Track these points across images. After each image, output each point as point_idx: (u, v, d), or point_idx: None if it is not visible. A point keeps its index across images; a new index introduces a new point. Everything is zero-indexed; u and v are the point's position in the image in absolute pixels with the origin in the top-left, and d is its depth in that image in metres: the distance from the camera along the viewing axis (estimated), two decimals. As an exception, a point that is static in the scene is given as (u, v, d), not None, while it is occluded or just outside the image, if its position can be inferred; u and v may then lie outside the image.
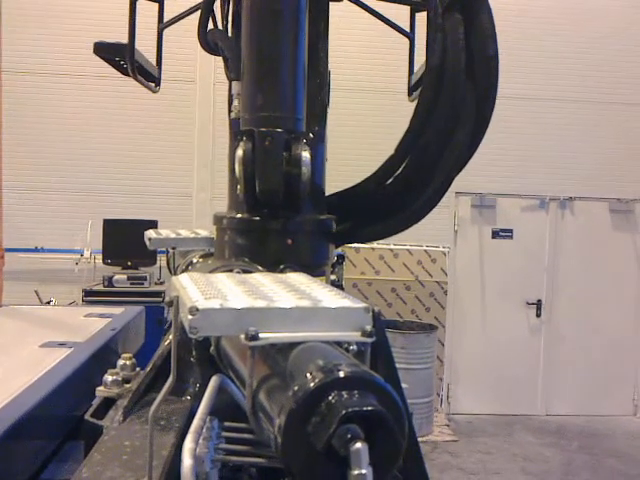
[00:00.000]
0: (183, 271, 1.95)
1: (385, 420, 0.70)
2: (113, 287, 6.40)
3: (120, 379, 1.65)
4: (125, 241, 6.67)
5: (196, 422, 1.11)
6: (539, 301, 7.63)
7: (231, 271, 1.58)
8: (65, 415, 2.19)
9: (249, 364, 0.91)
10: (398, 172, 1.69)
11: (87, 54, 7.32)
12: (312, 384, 0.74)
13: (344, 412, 0.70)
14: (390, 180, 1.71)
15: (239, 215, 1.72)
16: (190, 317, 0.89)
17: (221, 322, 0.91)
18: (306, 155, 1.60)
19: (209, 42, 1.87)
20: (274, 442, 0.77)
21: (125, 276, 6.46)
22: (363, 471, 0.69)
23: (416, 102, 1.58)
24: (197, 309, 0.90)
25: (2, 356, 2.38)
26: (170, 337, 1.71)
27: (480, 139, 1.59)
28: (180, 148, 7.24)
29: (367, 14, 2.18)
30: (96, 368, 2.56)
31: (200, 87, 7.21)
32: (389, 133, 6.73)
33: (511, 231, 7.60)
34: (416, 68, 2.16)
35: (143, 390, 1.58)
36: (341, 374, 0.75)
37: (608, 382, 7.66)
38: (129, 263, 6.70)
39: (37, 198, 7.27)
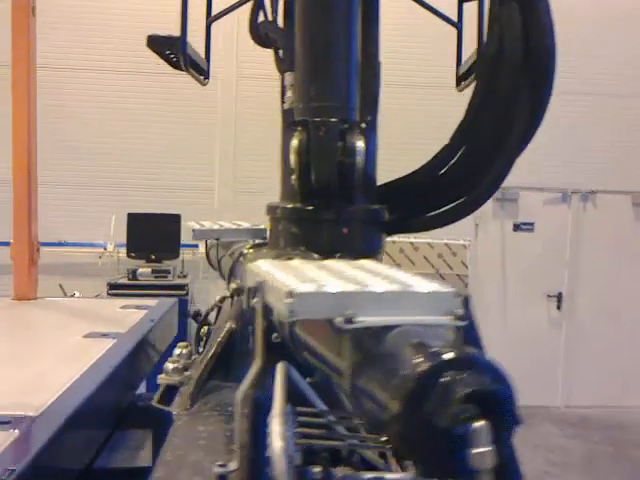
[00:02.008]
0: (235, 262, 1.97)
1: (503, 398, 0.72)
2: (137, 280, 6.45)
3: (181, 367, 1.67)
4: (149, 235, 6.73)
5: (278, 406, 1.13)
6: (560, 294, 7.61)
7: (288, 259, 1.60)
8: (115, 404, 2.23)
9: (346, 348, 0.92)
10: (452, 162, 1.69)
11: (112, 49, 7.36)
12: (427, 365, 0.75)
13: (464, 391, 0.72)
14: (444, 170, 1.72)
15: (293, 205, 1.74)
16: (288, 301, 0.91)
17: (318, 306, 0.92)
18: (360, 144, 1.61)
19: (260, 34, 1.89)
20: (385, 424, 0.79)
21: (149, 269, 6.52)
22: (485, 449, 0.71)
23: (472, 91, 1.59)
24: (295, 293, 0.91)
25: (50, 346, 2.42)
26: (227, 323, 1.74)
27: (534, 131, 1.59)
28: (203, 143, 7.28)
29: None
30: (139, 358, 2.61)
31: (223, 82, 7.23)
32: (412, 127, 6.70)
33: (532, 224, 7.58)
34: (463, 58, 2.16)
35: (206, 377, 1.60)
36: (455, 355, 0.77)
37: (630, 374, 7.63)
38: (152, 256, 6.76)
39: (60, 192, 7.33)
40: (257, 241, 2.06)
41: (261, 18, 1.96)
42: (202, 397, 1.54)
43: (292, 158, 1.62)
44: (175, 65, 2.17)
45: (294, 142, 1.61)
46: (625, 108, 7.52)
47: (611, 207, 7.61)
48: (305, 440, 1.14)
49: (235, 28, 6.68)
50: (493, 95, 1.54)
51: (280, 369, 1.40)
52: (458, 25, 2.22)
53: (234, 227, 2.45)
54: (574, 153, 7.48)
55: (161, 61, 7.13)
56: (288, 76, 1.67)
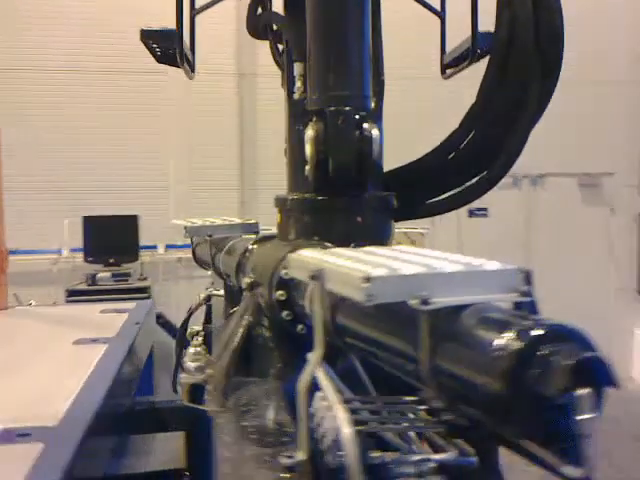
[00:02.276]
0: (242, 257, 1.95)
1: (600, 363, 0.75)
2: (97, 285, 6.29)
3: (203, 365, 1.65)
4: (106, 238, 6.57)
5: (331, 395, 1.13)
6: (515, 276, 7.82)
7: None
8: (128, 407, 2.18)
9: (423, 330, 0.93)
10: (461, 146, 1.73)
11: (58, 48, 7.13)
12: (526, 340, 0.78)
13: (566, 361, 0.74)
14: (452, 154, 1.75)
15: (307, 195, 1.73)
16: (365, 285, 0.91)
17: (394, 289, 0.93)
18: (376, 133, 1.62)
19: (257, 27, 1.87)
20: (487, 403, 0.81)
21: (109, 273, 6.37)
22: (590, 415, 0.74)
23: (483, 76, 1.62)
24: (372, 277, 0.92)
25: (43, 354, 2.35)
26: (245, 318, 1.72)
27: (541, 114, 1.63)
28: (156, 141, 7.13)
29: None
30: (133, 361, 2.56)
31: (173, 78, 7.09)
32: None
33: (486, 210, 7.78)
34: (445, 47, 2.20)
35: (232, 374, 1.59)
36: (548, 327, 0.79)
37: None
38: (111, 260, 6.59)
39: (7, 199, 7.05)
40: (260, 235, 2.04)
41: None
42: (231, 394, 1.52)
43: (308, 148, 1.61)
44: (161, 59, 2.12)
45: (310, 132, 1.60)
46: (570, 94, 7.78)
47: (559, 189, 7.88)
48: (363, 426, 1.15)
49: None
50: (505, 79, 1.57)
51: (315, 357, 1.40)
52: (441, 14, 2.25)
53: (226, 223, 2.42)
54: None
55: (109, 59, 6.97)
56: (297, 66, 1.67)
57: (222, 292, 2.89)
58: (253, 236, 2.42)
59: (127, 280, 6.40)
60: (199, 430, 1.47)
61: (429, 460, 1.15)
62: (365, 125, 1.63)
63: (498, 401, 0.79)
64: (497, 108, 1.60)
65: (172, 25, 2.01)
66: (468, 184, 1.72)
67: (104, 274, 6.32)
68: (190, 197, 7.15)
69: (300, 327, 1.63)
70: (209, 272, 3.05)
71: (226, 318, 2.48)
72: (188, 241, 7.57)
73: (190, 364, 1.67)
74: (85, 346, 2.48)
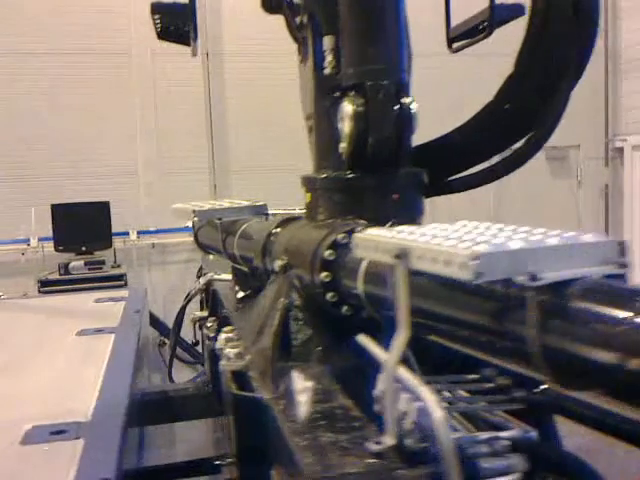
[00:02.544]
0: (267, 241, 1.89)
1: None
2: (70, 274, 6.11)
3: (242, 351, 1.60)
4: (77, 226, 6.37)
5: (411, 379, 1.10)
6: (487, 249, 7.92)
7: (352, 229, 1.56)
8: (147, 398, 2.11)
9: (531, 307, 0.91)
10: (496, 118, 1.70)
11: (19, 30, 6.80)
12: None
13: None
14: (486, 127, 1.72)
15: (341, 173, 1.69)
16: (474, 263, 0.88)
17: (502, 265, 0.90)
18: (415, 106, 1.59)
19: (272, 1, 1.81)
20: (605, 380, 0.80)
21: (82, 262, 6.18)
22: None
23: (521, 46, 1.59)
24: (481, 254, 0.89)
25: (48, 348, 2.26)
26: (281, 300, 1.67)
27: (575, 85, 1.62)
28: (122, 125, 6.92)
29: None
30: (142, 349, 2.49)
31: (137, 60, 6.88)
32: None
33: (456, 184, 7.83)
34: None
35: (277, 358, 1.55)
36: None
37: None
38: (83, 248, 6.40)
39: (-31, 189, 6.78)
40: (282, 217, 1.98)
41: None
42: (279, 379, 1.48)
43: (346, 124, 1.57)
44: (161, 35, 2.03)
45: (348, 108, 1.55)
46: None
47: (527, 162, 7.97)
48: (459, 406, 1.13)
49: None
50: (542, 48, 1.55)
51: (366, 340, 1.37)
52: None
53: (235, 205, 2.35)
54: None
55: (72, 40, 6.68)
56: (327, 40, 1.60)
57: (225, 277, 2.84)
58: (262, 218, 2.37)
59: (101, 268, 6.23)
60: (243, 417, 1.43)
61: (498, 438, 1.14)
62: (404, 99, 1.59)
63: (633, 377, 0.77)
64: (536, 76, 1.57)
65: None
66: (503, 157, 1.70)
67: (77, 263, 6.13)
68: (160, 182, 6.98)
69: (345, 308, 1.59)
70: (210, 257, 2.99)
71: (240, 302, 2.43)
72: (162, 226, 7.38)
73: (229, 350, 1.61)
74: (91, 337, 2.40)
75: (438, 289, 1.12)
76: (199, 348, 3.50)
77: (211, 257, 2.90)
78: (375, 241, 1.16)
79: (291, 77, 7.04)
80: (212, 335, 2.42)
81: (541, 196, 8.02)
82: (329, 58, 1.61)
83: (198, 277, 4.01)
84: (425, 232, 1.13)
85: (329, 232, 1.58)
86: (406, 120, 1.57)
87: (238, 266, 2.38)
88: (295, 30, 1.79)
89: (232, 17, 6.79)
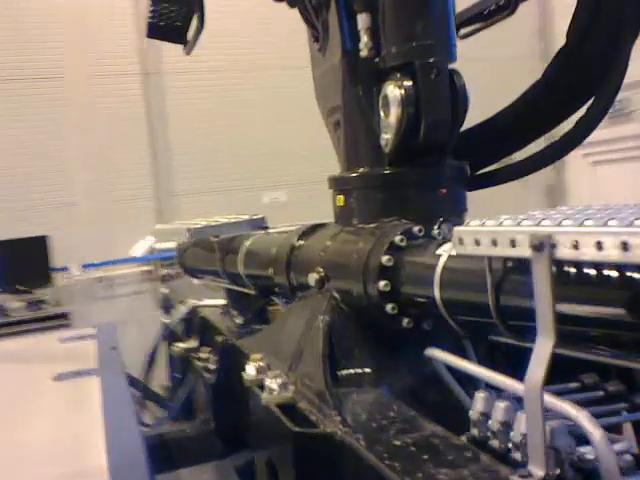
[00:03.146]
0: (290, 256, 1.66)
1: None
2: (9, 317, 5.60)
3: (285, 380, 1.36)
4: (12, 263, 5.86)
5: (545, 396, 0.91)
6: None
7: (409, 230, 1.36)
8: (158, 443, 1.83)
9: None
10: (542, 100, 1.55)
11: None
12: None
13: None
14: (539, 102, 1.56)
15: (380, 169, 1.49)
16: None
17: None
18: (467, 87, 1.42)
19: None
20: None
21: (21, 303, 5.69)
22: None
23: (572, 20, 1.45)
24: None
25: (26, 397, 1.93)
26: (321, 318, 1.44)
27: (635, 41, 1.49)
28: (58, 153, 6.47)
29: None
30: (128, 389, 2.19)
31: (71, 83, 6.47)
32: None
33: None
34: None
35: (332, 386, 1.32)
36: None
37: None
38: (20, 288, 5.90)
39: None
40: (301, 228, 1.76)
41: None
42: (341, 409, 1.25)
43: (392, 111, 1.37)
44: (154, 33, 1.79)
45: (396, 92, 1.36)
46: (472, 70, 7.91)
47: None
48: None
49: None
50: (600, 15, 1.41)
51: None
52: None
53: (232, 221, 2.11)
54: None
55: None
56: (362, 18, 1.41)
57: (211, 302, 2.58)
58: (263, 232, 2.14)
59: (42, 307, 5.75)
60: (309, 457, 1.20)
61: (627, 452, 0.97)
62: (457, 78, 1.41)
63: None
64: (598, 40, 1.42)
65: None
66: (557, 138, 1.54)
67: (17, 304, 5.64)
68: (101, 211, 6.57)
69: (406, 321, 1.39)
70: (195, 281, 2.71)
71: (242, 328, 2.17)
72: (109, 258, 6.90)
73: (271, 381, 1.37)
74: (71, 381, 2.08)
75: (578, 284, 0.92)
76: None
77: (195, 281, 2.63)
78: (494, 232, 0.96)
79: (236, 92, 6.79)
80: (213, 367, 2.15)
81: (486, 197, 8.01)
82: (364, 39, 1.42)
83: (164, 308, 3.71)
84: (551, 216, 0.94)
85: (382, 235, 1.37)
86: (461, 102, 1.39)
87: (238, 288, 2.13)
88: (311, 12, 1.59)
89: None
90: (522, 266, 1.04)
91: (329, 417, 1.23)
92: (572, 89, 1.48)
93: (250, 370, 1.51)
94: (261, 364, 1.51)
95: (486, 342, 1.35)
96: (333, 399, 1.28)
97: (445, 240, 1.36)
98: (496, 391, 1.16)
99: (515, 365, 1.19)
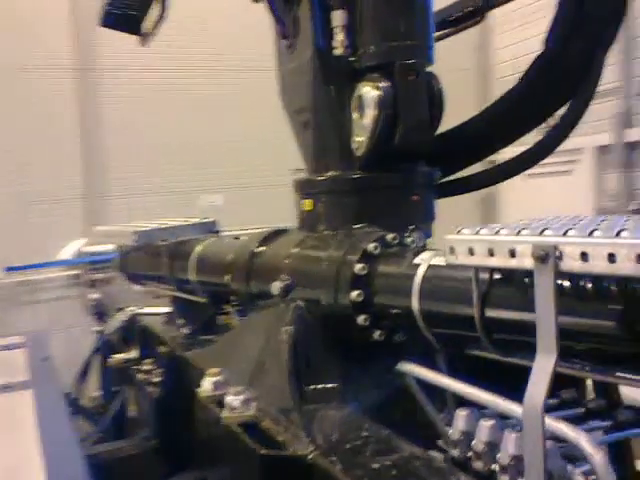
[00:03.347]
0: (249, 263, 1.57)
1: None
2: None
3: (248, 397, 1.26)
4: None
5: (545, 418, 0.86)
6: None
7: (382, 237, 1.30)
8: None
9: None
10: (517, 104, 1.51)
11: None
12: None
13: None
14: (508, 114, 1.53)
15: (351, 173, 1.42)
16: None
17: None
18: (443, 91, 1.37)
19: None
20: None
21: None
22: None
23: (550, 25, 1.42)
24: None
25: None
26: (285, 329, 1.34)
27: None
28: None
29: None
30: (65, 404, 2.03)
31: (-3, 75, 6.10)
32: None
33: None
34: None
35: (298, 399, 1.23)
36: None
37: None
38: None
39: None
40: (262, 234, 1.66)
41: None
42: (311, 429, 1.16)
43: (368, 113, 1.31)
44: (109, 21, 1.67)
45: (372, 92, 1.30)
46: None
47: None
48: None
49: None
50: (582, 18, 1.39)
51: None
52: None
53: (182, 224, 1.99)
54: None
55: None
56: (337, 15, 1.34)
57: (152, 310, 2.44)
58: (214, 237, 2.03)
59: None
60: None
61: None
62: (434, 82, 1.36)
63: None
64: (575, 48, 1.40)
65: None
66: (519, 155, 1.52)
67: None
68: (25, 212, 6.22)
69: (379, 333, 1.31)
70: (137, 287, 2.56)
71: (189, 338, 2.05)
72: (34, 261, 6.54)
73: (233, 399, 1.26)
74: (2, 396, 1.90)
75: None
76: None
77: (137, 287, 2.48)
78: (491, 241, 0.91)
79: (173, 92, 6.55)
80: (157, 380, 2.02)
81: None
82: (340, 37, 1.35)
83: (96, 315, 3.51)
84: (552, 225, 0.89)
85: (354, 242, 1.30)
86: (438, 106, 1.34)
87: (186, 296, 2.01)
88: (280, 7, 1.50)
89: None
90: (511, 277, 1.00)
91: (298, 437, 1.14)
92: (551, 93, 1.46)
93: (206, 385, 1.41)
94: (219, 379, 1.41)
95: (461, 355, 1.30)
96: (301, 417, 1.19)
97: (420, 248, 1.31)
98: (477, 408, 1.11)
99: (493, 378, 1.15)
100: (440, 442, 1.21)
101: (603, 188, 6.29)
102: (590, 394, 1.24)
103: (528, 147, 1.53)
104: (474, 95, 8.02)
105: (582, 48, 1.39)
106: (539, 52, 1.43)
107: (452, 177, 1.61)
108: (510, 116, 1.49)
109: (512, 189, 7.55)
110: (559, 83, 1.43)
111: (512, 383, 1.12)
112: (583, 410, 1.15)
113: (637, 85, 5.55)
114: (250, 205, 6.30)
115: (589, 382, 1.25)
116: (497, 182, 1.58)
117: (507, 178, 1.58)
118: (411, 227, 1.39)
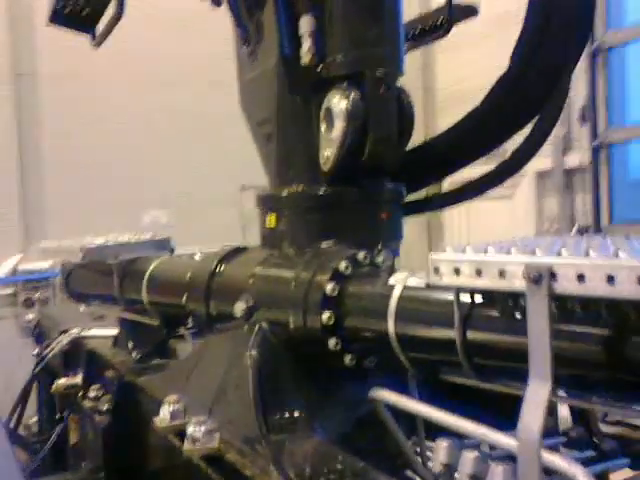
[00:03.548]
0: (210, 282, 1.47)
1: None
2: None
3: (212, 427, 1.17)
4: None
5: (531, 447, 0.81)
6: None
7: (353, 256, 1.23)
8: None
9: None
10: (486, 118, 1.48)
11: None
12: None
13: None
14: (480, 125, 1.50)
15: (317, 188, 1.36)
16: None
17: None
18: (413, 105, 1.33)
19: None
20: None
21: None
22: None
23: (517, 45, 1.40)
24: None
25: None
26: (249, 354, 1.26)
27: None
28: None
29: None
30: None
31: None
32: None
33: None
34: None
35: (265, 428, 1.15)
36: None
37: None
38: None
39: None
40: (222, 252, 1.57)
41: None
42: (281, 461, 1.08)
43: (337, 125, 1.25)
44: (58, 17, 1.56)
45: (341, 104, 1.24)
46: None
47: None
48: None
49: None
50: (546, 40, 1.38)
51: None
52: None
53: (133, 241, 1.88)
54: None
55: None
56: (305, 21, 1.28)
57: (98, 332, 2.30)
58: (167, 255, 1.93)
59: None
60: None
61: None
62: (404, 96, 1.32)
63: None
64: (538, 68, 1.39)
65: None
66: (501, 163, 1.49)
67: None
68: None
69: (349, 358, 1.24)
70: (82, 308, 2.41)
71: (140, 362, 1.93)
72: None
73: (195, 430, 1.17)
74: None
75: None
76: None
77: (82, 308, 2.34)
78: (479, 262, 0.85)
79: (118, 103, 6.34)
80: (105, 408, 1.89)
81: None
82: (307, 44, 1.28)
83: (35, 338, 3.32)
84: (542, 245, 0.84)
85: (324, 261, 1.23)
86: (408, 121, 1.30)
87: (137, 317, 1.89)
88: (243, 11, 1.42)
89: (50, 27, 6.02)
90: (494, 300, 0.95)
91: (266, 472, 1.06)
92: (515, 112, 1.44)
93: (164, 414, 1.31)
94: (178, 407, 1.31)
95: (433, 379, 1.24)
96: (269, 449, 1.11)
97: (392, 268, 1.26)
98: (457, 438, 1.06)
99: (468, 397, 1.10)
100: (408, 472, 1.16)
101: (543, 211, 6.44)
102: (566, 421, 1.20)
103: (491, 168, 1.51)
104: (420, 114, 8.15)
105: (546, 68, 1.38)
106: (503, 71, 1.41)
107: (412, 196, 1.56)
108: (475, 134, 1.47)
109: (456, 212, 7.68)
110: (523, 102, 1.42)
111: (490, 404, 1.08)
112: (565, 439, 1.10)
113: (577, 111, 5.69)
114: (195, 223, 6.14)
115: (564, 409, 1.21)
116: (462, 202, 1.55)
117: (472, 198, 1.55)
118: (379, 246, 1.33)
